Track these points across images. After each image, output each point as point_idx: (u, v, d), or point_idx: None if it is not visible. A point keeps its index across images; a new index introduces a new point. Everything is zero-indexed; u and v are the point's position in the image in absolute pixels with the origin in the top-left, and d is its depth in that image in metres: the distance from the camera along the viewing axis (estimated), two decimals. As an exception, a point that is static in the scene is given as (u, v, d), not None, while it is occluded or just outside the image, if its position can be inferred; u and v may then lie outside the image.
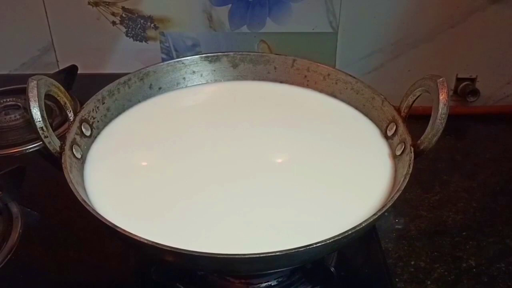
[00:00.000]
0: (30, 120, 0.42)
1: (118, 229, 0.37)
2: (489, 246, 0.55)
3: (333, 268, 0.46)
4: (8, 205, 0.54)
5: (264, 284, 0.46)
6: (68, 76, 0.69)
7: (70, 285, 0.49)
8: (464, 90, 0.73)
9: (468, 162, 0.66)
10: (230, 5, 0.70)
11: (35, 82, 0.42)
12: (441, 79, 0.43)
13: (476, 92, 0.73)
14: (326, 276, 0.46)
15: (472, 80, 0.73)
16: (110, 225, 0.37)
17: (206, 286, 0.47)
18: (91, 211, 0.38)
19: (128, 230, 0.37)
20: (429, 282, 0.51)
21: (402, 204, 0.60)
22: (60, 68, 0.74)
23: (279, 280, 0.47)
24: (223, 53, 0.57)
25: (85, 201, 0.39)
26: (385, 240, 0.55)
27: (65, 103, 0.47)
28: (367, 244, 0.53)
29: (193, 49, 0.74)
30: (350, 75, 0.54)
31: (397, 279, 0.51)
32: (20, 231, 0.52)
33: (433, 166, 0.65)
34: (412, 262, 0.53)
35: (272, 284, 0.47)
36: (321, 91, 0.56)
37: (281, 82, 0.58)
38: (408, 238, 0.55)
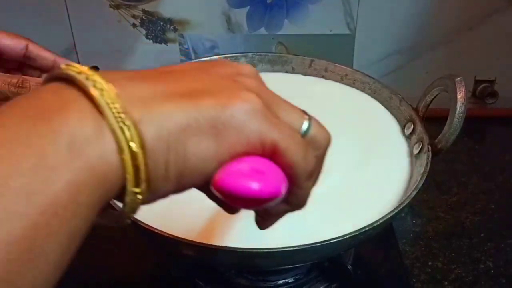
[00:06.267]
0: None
1: (140, 223, 0.37)
2: (507, 248, 0.54)
3: (350, 266, 0.46)
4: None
5: (281, 281, 0.47)
6: (89, 77, 0.70)
7: (88, 279, 0.50)
8: (483, 92, 0.73)
9: (486, 164, 0.66)
10: (248, 7, 0.71)
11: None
12: (458, 78, 0.44)
13: (495, 94, 0.73)
14: (343, 274, 0.46)
15: (491, 82, 0.73)
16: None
17: (224, 282, 0.47)
18: (112, 204, 0.39)
19: (149, 224, 0.38)
20: (446, 283, 0.50)
21: (420, 205, 0.59)
22: (82, 69, 0.75)
23: (296, 277, 0.47)
24: (242, 54, 0.58)
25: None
26: (403, 241, 0.55)
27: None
28: (385, 244, 0.53)
29: (212, 51, 0.75)
30: (368, 75, 0.54)
31: (414, 280, 0.51)
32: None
33: (451, 168, 0.65)
34: (430, 263, 0.53)
35: (289, 281, 0.47)
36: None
37: (299, 82, 0.58)
38: (426, 239, 0.55)
